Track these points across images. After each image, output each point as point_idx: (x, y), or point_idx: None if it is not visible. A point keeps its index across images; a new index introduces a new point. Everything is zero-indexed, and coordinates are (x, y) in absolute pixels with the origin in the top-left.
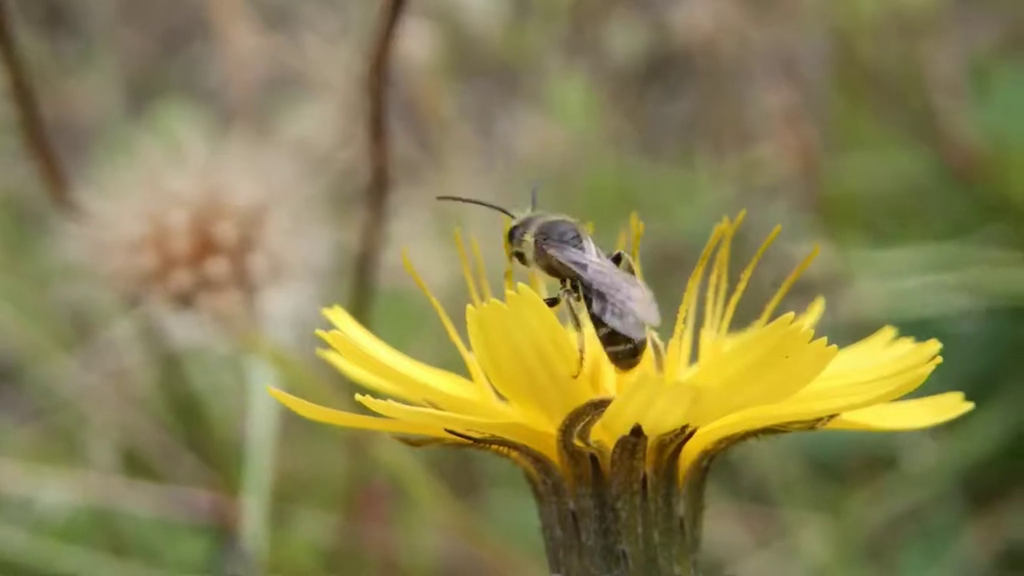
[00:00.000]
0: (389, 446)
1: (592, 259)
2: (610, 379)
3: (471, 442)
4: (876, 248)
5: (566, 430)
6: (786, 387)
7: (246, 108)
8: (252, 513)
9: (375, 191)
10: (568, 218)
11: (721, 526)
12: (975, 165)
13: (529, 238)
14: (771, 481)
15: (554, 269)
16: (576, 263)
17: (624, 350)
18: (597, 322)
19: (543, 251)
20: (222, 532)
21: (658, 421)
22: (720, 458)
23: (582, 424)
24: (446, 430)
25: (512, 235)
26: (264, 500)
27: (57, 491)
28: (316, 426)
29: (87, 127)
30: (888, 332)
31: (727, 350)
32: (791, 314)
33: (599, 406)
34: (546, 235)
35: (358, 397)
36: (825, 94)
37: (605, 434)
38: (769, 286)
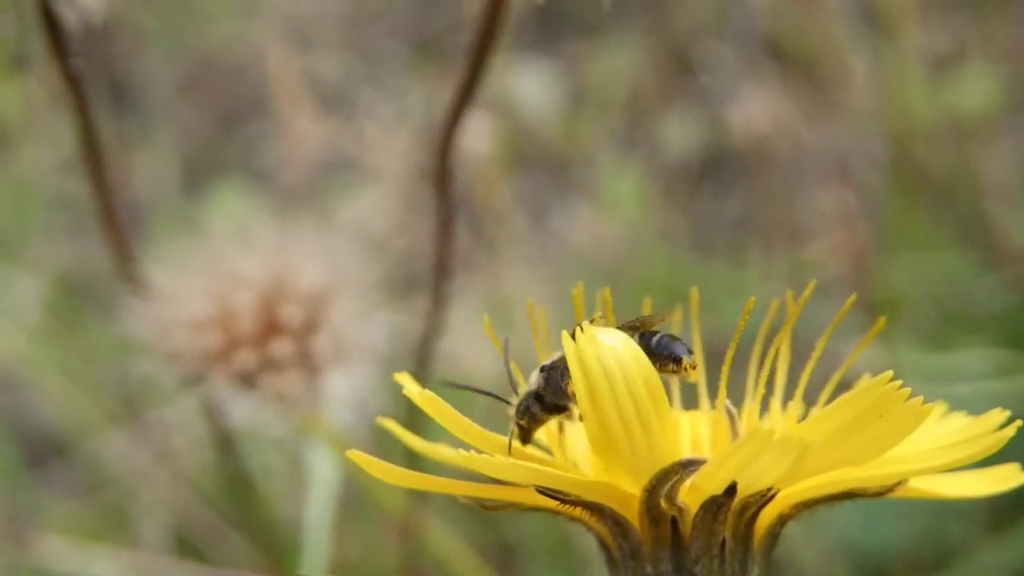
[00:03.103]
0: (439, 532)
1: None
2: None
3: (555, 503)
4: (926, 351)
5: (652, 490)
6: (880, 445)
7: (302, 190)
8: None
9: (436, 281)
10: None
11: None
12: None
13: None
14: None
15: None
16: None
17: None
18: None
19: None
20: None
21: (758, 477)
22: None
23: (669, 484)
24: (537, 489)
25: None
26: None
27: (106, 568)
28: (363, 511)
29: (143, 203)
30: (941, 406)
31: (823, 410)
32: (889, 372)
33: (688, 466)
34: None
35: (461, 453)
36: (878, 196)
37: (688, 496)
38: (820, 384)
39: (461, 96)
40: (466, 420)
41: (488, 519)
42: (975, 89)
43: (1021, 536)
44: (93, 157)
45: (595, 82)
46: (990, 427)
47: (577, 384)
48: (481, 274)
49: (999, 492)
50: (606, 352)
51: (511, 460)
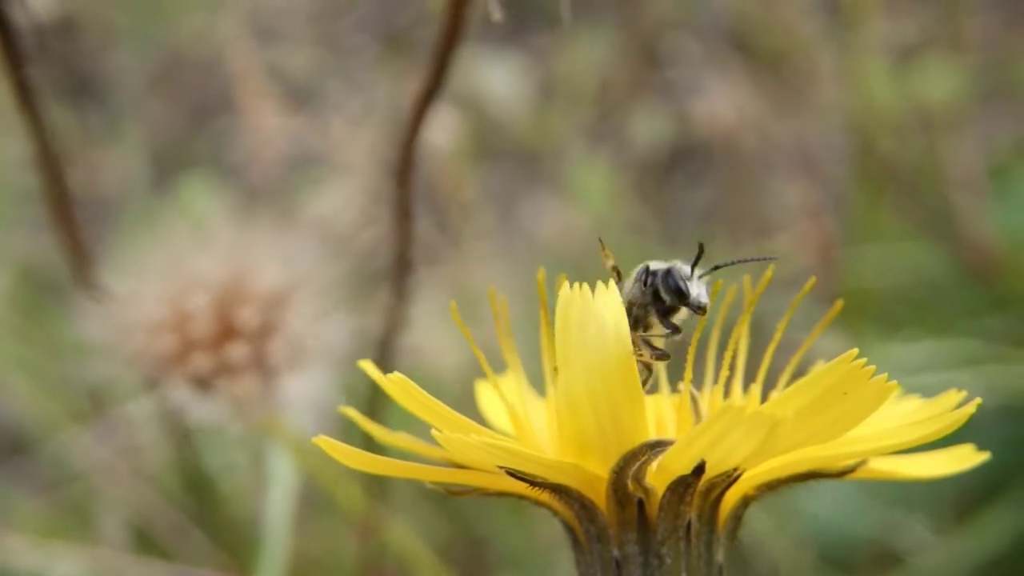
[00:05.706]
0: (399, 530)
1: None
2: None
3: (522, 486)
4: (891, 342)
5: (620, 471)
6: (845, 423)
7: (269, 185)
8: None
9: (397, 275)
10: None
11: None
12: (992, 262)
13: None
14: (782, 574)
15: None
16: None
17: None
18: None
19: None
20: None
21: (727, 455)
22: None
23: (636, 465)
24: (506, 471)
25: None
26: None
27: (67, 566)
28: (326, 509)
29: (112, 197)
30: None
31: (789, 388)
32: (854, 351)
33: (656, 447)
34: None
35: (433, 433)
36: (844, 188)
37: (655, 477)
38: (781, 373)
39: (426, 91)
40: (435, 401)
41: (455, 515)
42: (941, 80)
43: (983, 529)
44: (48, 164)
45: (564, 75)
46: (948, 406)
47: (558, 346)
48: (447, 267)
49: (957, 472)
50: (591, 323)
51: (481, 440)
